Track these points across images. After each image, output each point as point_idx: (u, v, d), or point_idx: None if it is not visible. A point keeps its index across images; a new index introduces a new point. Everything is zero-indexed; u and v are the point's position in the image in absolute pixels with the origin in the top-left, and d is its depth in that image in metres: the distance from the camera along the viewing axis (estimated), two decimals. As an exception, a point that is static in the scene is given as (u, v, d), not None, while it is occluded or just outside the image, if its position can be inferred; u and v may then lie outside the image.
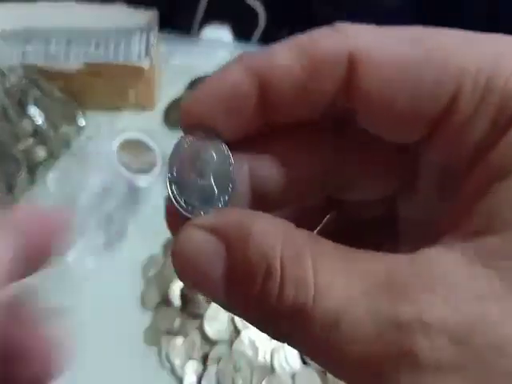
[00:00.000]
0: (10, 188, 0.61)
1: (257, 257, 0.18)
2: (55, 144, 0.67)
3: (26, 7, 0.74)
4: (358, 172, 0.23)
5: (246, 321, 0.19)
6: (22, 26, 0.73)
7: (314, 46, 0.20)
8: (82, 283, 0.52)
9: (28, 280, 0.50)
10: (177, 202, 0.21)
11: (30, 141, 0.66)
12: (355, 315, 0.16)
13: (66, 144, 0.69)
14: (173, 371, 0.54)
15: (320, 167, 0.22)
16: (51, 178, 0.64)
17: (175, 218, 0.21)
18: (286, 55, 0.20)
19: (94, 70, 0.71)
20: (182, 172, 0.21)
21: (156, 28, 0.74)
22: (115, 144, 0.64)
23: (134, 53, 0.71)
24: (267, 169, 0.22)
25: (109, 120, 0.70)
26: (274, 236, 0.18)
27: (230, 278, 0.19)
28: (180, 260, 0.19)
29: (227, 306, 0.20)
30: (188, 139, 0.21)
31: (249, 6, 0.76)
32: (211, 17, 0.78)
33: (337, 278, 0.17)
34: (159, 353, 0.55)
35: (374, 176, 0.23)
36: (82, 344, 0.49)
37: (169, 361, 0.54)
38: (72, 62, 0.71)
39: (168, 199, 0.21)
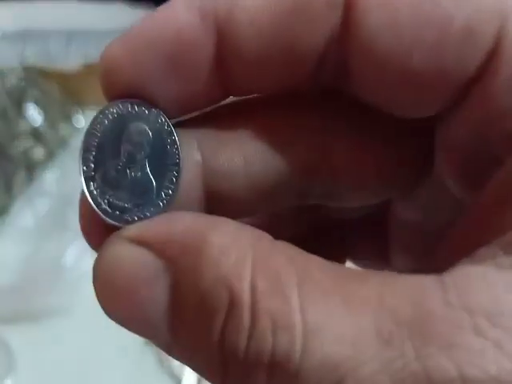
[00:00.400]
0: (9, 187, 0.61)
1: (215, 284, 0.12)
2: (54, 144, 0.67)
3: (25, 7, 0.74)
4: (351, 170, 0.17)
5: (201, 375, 0.14)
6: (21, 26, 0.73)
7: None
8: (80, 283, 0.52)
9: (27, 280, 0.50)
10: (97, 204, 0.15)
11: (29, 140, 0.66)
12: (367, 372, 0.11)
13: (65, 144, 0.69)
14: (171, 371, 0.54)
15: (301, 158, 0.16)
16: (49, 178, 0.64)
17: (96, 226, 0.15)
18: None
19: (93, 70, 0.70)
20: (102, 160, 0.15)
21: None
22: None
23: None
24: (227, 157, 0.16)
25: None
26: (241, 253, 0.13)
27: (177, 314, 0.13)
28: (104, 286, 0.14)
29: (173, 352, 0.14)
30: (110, 111, 0.15)
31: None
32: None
33: (335, 314, 0.12)
34: (158, 353, 0.55)
35: (373, 174, 0.17)
36: (81, 344, 0.49)
37: (167, 361, 0.54)
38: (71, 62, 0.70)
39: (83, 199, 0.15)
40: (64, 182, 0.63)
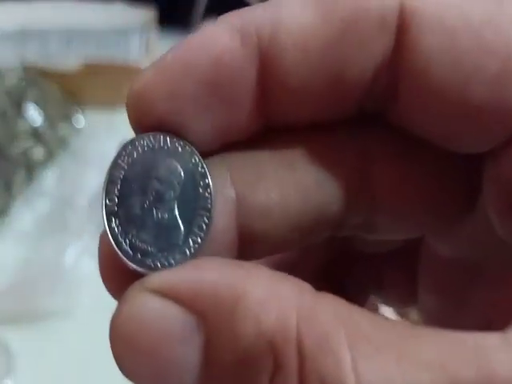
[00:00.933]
0: (8, 188, 0.61)
1: (257, 343, 0.11)
2: (53, 144, 0.67)
3: (24, 7, 0.74)
4: (391, 201, 0.15)
5: None
6: (20, 26, 0.73)
7: None
8: (79, 284, 0.52)
9: (27, 281, 0.50)
10: (118, 245, 0.13)
11: (29, 141, 0.65)
12: None
13: (65, 144, 0.69)
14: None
15: (341, 190, 0.15)
16: (49, 178, 0.64)
17: (116, 270, 0.14)
18: (302, 9, 0.13)
19: (92, 70, 0.70)
20: (127, 194, 0.14)
21: (155, 27, 0.74)
22: (114, 145, 0.64)
23: (133, 52, 0.71)
24: (263, 192, 0.14)
25: (107, 120, 0.70)
26: (283, 308, 0.11)
27: (211, 376, 0.12)
28: (125, 345, 0.12)
29: None
30: (141, 143, 0.14)
31: (248, 3, 0.76)
32: (211, 14, 0.78)
33: (390, 375, 0.11)
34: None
35: (414, 206, 0.16)
36: (80, 345, 0.49)
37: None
38: (71, 61, 0.70)
39: (104, 238, 0.14)
40: (64, 182, 0.63)
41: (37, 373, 0.47)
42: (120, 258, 0.13)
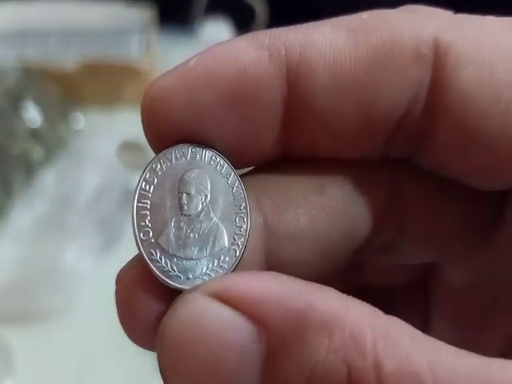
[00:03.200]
0: (7, 188, 0.61)
1: (330, 358, 0.10)
2: (53, 144, 0.67)
3: (24, 7, 0.74)
4: (414, 229, 0.15)
5: None
6: (20, 25, 0.73)
7: (380, 26, 0.12)
8: (79, 284, 0.52)
9: (26, 281, 0.50)
10: (166, 274, 0.13)
11: (28, 141, 0.65)
12: None
13: (64, 144, 0.69)
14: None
15: (370, 214, 0.14)
16: (49, 178, 0.64)
17: (140, 313, 0.12)
18: (334, 33, 0.12)
19: (92, 70, 0.70)
20: (161, 223, 0.13)
21: (154, 27, 0.74)
22: (114, 145, 0.64)
23: (133, 51, 0.71)
24: (292, 217, 0.14)
25: (107, 120, 0.70)
26: (357, 324, 0.11)
27: None
28: (179, 352, 0.11)
29: None
30: (156, 167, 0.13)
31: (248, 3, 0.76)
32: (210, 14, 0.78)
33: None
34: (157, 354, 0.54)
35: (439, 232, 0.16)
36: (80, 345, 0.49)
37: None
38: (70, 61, 0.70)
39: (129, 269, 0.13)
40: (63, 182, 0.63)
41: (36, 372, 0.47)
42: (172, 286, 0.13)
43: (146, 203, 0.13)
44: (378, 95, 0.12)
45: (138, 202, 0.13)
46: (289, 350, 0.11)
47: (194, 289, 0.12)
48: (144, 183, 0.13)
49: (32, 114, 0.66)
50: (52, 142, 0.67)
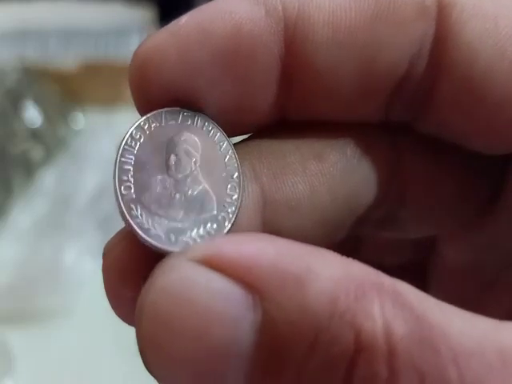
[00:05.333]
0: (7, 188, 0.61)
1: (335, 323, 0.09)
2: (53, 144, 0.67)
3: (24, 7, 0.74)
4: (415, 199, 0.15)
5: None
6: (19, 25, 0.73)
7: None
8: (79, 284, 0.52)
9: (26, 281, 0.50)
10: (146, 232, 0.12)
11: (28, 141, 0.65)
12: None
13: (64, 144, 0.69)
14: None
15: (370, 182, 0.14)
16: (48, 178, 0.64)
17: (129, 287, 0.12)
18: None
19: (92, 69, 0.70)
20: (145, 180, 0.12)
21: (154, 27, 0.73)
22: (114, 145, 0.64)
23: (132, 51, 0.71)
24: (290, 185, 0.13)
25: (107, 119, 0.70)
26: (362, 288, 0.10)
27: (270, 365, 0.10)
28: (163, 325, 0.10)
29: None
30: (144, 125, 0.13)
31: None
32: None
33: (494, 372, 0.10)
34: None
35: (441, 203, 0.15)
36: (80, 345, 0.49)
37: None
38: (70, 61, 0.70)
39: (115, 243, 0.12)
40: (63, 182, 0.63)
41: (36, 372, 0.47)
42: (152, 245, 0.12)
43: (130, 159, 0.12)
44: (379, 52, 0.12)
45: (122, 156, 0.12)
46: (288, 318, 0.10)
47: (178, 253, 0.10)
48: (130, 139, 0.13)
49: (32, 114, 0.66)
50: (52, 142, 0.67)
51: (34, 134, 0.66)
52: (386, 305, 0.10)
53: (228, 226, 0.12)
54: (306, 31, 0.12)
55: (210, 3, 0.12)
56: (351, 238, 0.17)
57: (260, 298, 0.10)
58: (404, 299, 0.10)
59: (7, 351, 0.48)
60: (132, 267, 0.12)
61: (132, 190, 0.12)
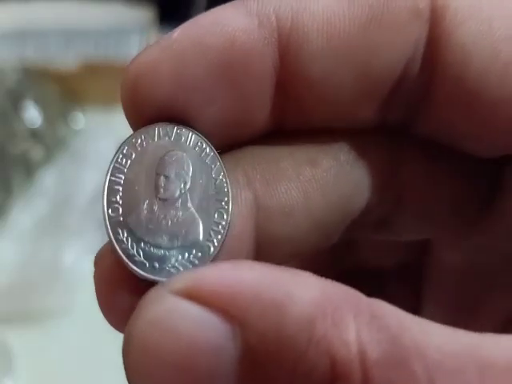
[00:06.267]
0: (7, 188, 0.61)
1: (311, 351, 0.10)
2: (53, 144, 0.67)
3: (24, 7, 0.74)
4: (411, 202, 0.14)
5: None
6: (20, 25, 0.73)
7: None
8: (78, 284, 0.52)
9: (26, 281, 0.50)
10: (131, 259, 0.12)
11: (28, 141, 0.65)
12: None
13: (64, 144, 0.69)
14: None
15: (366, 185, 0.14)
16: (48, 178, 0.64)
17: (120, 297, 0.12)
18: None
19: (92, 70, 0.70)
20: (132, 202, 0.12)
21: (155, 26, 0.73)
22: (114, 145, 0.64)
23: (133, 52, 0.71)
24: (283, 191, 0.13)
25: (107, 120, 0.70)
26: (339, 312, 0.10)
27: None
28: (147, 357, 0.10)
29: None
30: (136, 142, 0.12)
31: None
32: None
33: None
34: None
35: (437, 206, 0.15)
36: (80, 345, 0.49)
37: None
38: (70, 61, 0.70)
39: (102, 261, 0.12)
40: (63, 182, 0.63)
41: (36, 372, 0.47)
42: (135, 272, 0.12)
43: (120, 178, 0.12)
44: (374, 57, 0.12)
45: (112, 175, 0.12)
46: (267, 347, 0.10)
47: (161, 285, 0.11)
48: (121, 156, 0.12)
49: (32, 114, 0.66)
50: (52, 141, 0.67)
51: (34, 134, 0.66)
52: (361, 328, 0.10)
53: (212, 255, 0.12)
54: (300, 41, 0.12)
55: (202, 15, 0.12)
56: (346, 241, 0.17)
57: (240, 328, 0.10)
58: (380, 321, 0.10)
59: (7, 351, 0.48)
60: (122, 276, 0.12)
61: (120, 212, 0.12)
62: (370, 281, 0.19)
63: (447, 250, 0.17)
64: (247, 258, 0.13)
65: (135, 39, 0.72)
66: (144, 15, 0.74)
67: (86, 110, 0.72)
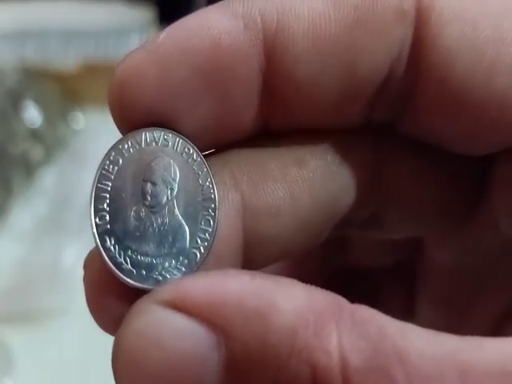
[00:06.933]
0: (7, 188, 0.61)
1: (292, 360, 0.10)
2: (53, 144, 0.67)
3: (24, 7, 0.74)
4: (397, 201, 0.15)
5: None
6: (20, 25, 0.73)
7: None
8: (78, 284, 0.52)
9: (26, 281, 0.50)
10: (118, 266, 0.12)
11: (28, 141, 0.65)
12: None
13: (64, 144, 0.69)
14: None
15: (351, 186, 0.14)
16: (48, 178, 0.64)
17: (109, 300, 0.12)
18: None
19: (92, 70, 0.70)
20: (120, 210, 0.12)
21: (154, 27, 0.74)
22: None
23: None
24: (270, 191, 0.13)
25: (106, 120, 0.70)
26: (321, 321, 0.10)
27: None
28: (132, 366, 0.10)
29: None
30: (125, 147, 0.12)
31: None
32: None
33: None
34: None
35: (423, 204, 0.15)
36: (79, 345, 0.49)
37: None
38: (70, 61, 0.70)
39: (91, 263, 0.12)
40: (63, 182, 0.63)
41: (36, 372, 0.47)
42: (123, 280, 0.12)
43: (107, 185, 0.12)
44: (359, 58, 0.12)
45: (99, 182, 0.12)
46: (250, 356, 0.10)
47: (148, 296, 0.11)
48: (108, 163, 0.12)
49: (32, 114, 0.66)
50: (52, 141, 0.67)
51: (34, 134, 0.66)
52: (343, 336, 0.10)
53: (199, 262, 0.12)
54: (285, 42, 0.12)
55: (187, 17, 0.12)
56: (339, 240, 0.17)
57: (224, 337, 0.10)
58: (362, 327, 0.10)
59: (7, 351, 0.48)
60: (111, 281, 0.12)
61: (107, 220, 0.12)
62: (364, 280, 0.19)
63: (436, 249, 0.17)
64: (235, 259, 0.13)
65: (135, 39, 0.72)
66: (144, 15, 0.74)
67: (85, 109, 0.72)
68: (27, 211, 0.59)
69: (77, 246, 0.54)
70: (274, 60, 0.12)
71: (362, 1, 0.12)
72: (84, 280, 0.13)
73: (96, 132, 0.68)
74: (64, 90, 0.71)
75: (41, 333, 0.50)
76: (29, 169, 0.64)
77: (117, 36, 0.72)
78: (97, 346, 0.50)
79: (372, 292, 0.20)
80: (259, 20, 0.12)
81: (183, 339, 0.10)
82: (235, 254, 0.13)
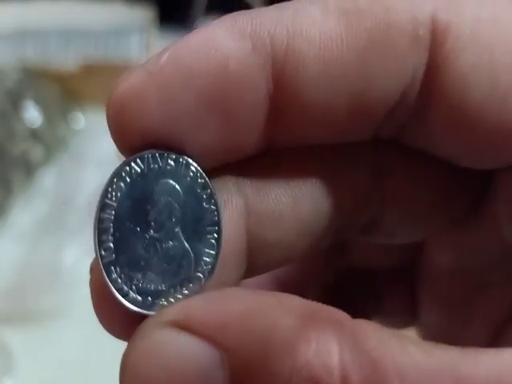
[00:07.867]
0: (7, 188, 0.61)
1: (294, 378, 0.10)
2: (53, 144, 0.67)
3: (24, 7, 0.74)
4: (398, 204, 0.15)
5: None
6: (20, 25, 0.73)
7: (373, 5, 0.11)
8: (79, 284, 0.52)
9: (26, 281, 0.50)
10: (123, 294, 0.12)
11: (28, 141, 0.65)
12: None
13: (64, 144, 0.69)
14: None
15: (353, 191, 0.14)
16: (48, 178, 0.64)
17: (118, 313, 0.12)
18: (324, 16, 0.11)
19: (92, 69, 0.70)
20: (124, 239, 0.12)
21: (155, 26, 0.74)
22: (114, 145, 0.64)
23: (133, 52, 0.71)
24: (274, 197, 0.13)
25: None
26: (323, 338, 0.10)
27: None
28: None
29: None
30: (127, 171, 0.12)
31: (248, 3, 0.76)
32: (210, 14, 0.78)
33: None
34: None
35: (424, 209, 0.15)
36: (79, 345, 0.49)
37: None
38: (70, 61, 0.70)
39: (97, 285, 0.12)
40: (63, 182, 0.63)
41: (36, 372, 0.47)
42: (130, 309, 0.12)
43: (111, 214, 0.12)
44: (371, 84, 0.12)
45: (102, 211, 0.12)
46: (253, 374, 0.10)
47: (153, 316, 0.11)
48: (110, 190, 0.12)
49: (32, 114, 0.66)
50: (52, 142, 0.67)
51: (34, 134, 0.66)
52: (344, 352, 0.10)
53: (203, 285, 0.12)
54: (295, 66, 0.11)
55: (191, 35, 0.11)
56: (341, 244, 0.17)
57: (227, 355, 0.10)
58: (362, 343, 0.10)
59: (7, 351, 0.48)
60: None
61: (112, 250, 0.12)
62: (367, 282, 0.19)
63: (437, 251, 0.17)
64: (239, 263, 0.13)
65: (135, 39, 0.72)
66: (144, 15, 0.74)
67: (85, 110, 0.72)
68: (27, 211, 0.59)
69: (77, 246, 0.54)
70: (282, 84, 0.11)
71: (376, 24, 0.11)
72: (90, 283, 0.13)
73: (96, 132, 0.68)
74: (64, 90, 0.71)
75: (41, 333, 0.50)
76: (29, 169, 0.64)
77: (117, 36, 0.72)
78: (97, 346, 0.50)
79: (374, 293, 0.20)
80: (268, 42, 0.11)
81: (187, 358, 0.10)
82: (239, 258, 0.13)
